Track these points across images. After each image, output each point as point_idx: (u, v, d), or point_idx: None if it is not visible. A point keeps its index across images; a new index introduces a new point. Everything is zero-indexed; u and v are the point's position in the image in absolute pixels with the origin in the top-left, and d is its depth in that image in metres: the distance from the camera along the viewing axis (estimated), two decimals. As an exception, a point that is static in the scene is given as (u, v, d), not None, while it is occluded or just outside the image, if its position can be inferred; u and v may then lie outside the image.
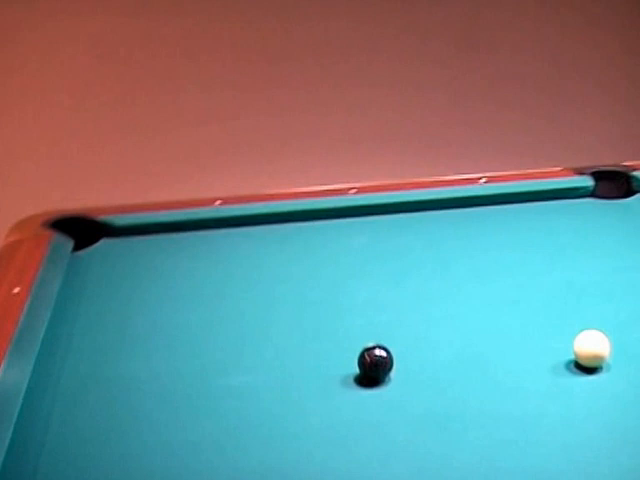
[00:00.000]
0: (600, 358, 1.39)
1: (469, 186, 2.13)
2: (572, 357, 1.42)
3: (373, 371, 1.38)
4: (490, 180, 2.16)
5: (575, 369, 1.40)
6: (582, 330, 1.43)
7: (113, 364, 1.47)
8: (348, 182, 2.14)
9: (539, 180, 2.16)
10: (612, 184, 2.15)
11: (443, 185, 2.14)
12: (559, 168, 2.24)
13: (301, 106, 3.59)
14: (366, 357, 1.39)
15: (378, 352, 1.38)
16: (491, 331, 1.54)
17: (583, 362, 1.40)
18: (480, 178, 2.16)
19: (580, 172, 2.19)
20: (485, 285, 1.72)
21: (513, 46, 3.69)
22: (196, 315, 1.63)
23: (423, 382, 1.39)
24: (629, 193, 2.14)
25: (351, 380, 1.39)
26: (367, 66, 3.60)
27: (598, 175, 2.16)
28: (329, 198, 2.08)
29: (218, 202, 2.04)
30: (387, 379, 1.39)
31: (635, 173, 2.16)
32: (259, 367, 1.45)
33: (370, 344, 1.40)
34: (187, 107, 3.50)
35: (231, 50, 3.54)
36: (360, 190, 2.11)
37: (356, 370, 1.40)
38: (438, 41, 3.57)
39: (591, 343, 1.40)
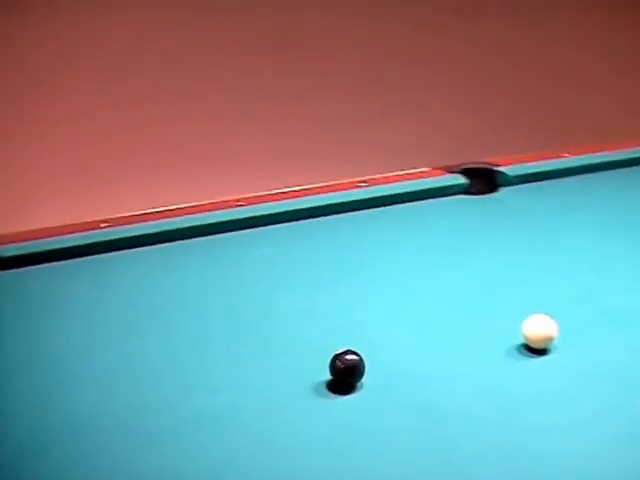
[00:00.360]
0: (551, 339, 1.50)
1: (352, 191, 2.20)
2: (521, 341, 1.52)
3: (348, 376, 1.41)
4: (370, 183, 2.24)
5: (527, 352, 1.51)
6: (517, 315, 1.55)
7: (67, 404, 1.39)
8: (232, 195, 2.14)
9: (415, 180, 2.27)
10: (480, 180, 2.31)
11: (327, 191, 2.20)
12: (427, 168, 2.37)
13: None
14: (338, 363, 1.41)
15: (350, 356, 1.41)
16: (434, 326, 1.62)
17: (535, 344, 1.51)
18: (361, 182, 2.24)
19: (450, 170, 2.33)
20: (407, 283, 1.80)
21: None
22: (131, 343, 1.57)
23: (394, 382, 1.43)
24: (495, 187, 2.30)
25: (323, 388, 1.41)
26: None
27: (467, 172, 2.31)
28: (219, 212, 2.07)
29: (104, 225, 1.96)
30: (360, 383, 1.41)
31: (499, 168, 2.34)
32: (225, 387, 1.43)
33: (340, 349, 1.42)
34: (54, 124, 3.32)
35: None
36: (248, 201, 2.12)
37: (323, 378, 1.42)
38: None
39: (541, 326, 1.51)
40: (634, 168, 2.45)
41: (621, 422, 1.33)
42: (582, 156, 2.45)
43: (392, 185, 2.24)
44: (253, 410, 1.36)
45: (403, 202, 2.21)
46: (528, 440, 1.29)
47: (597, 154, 2.46)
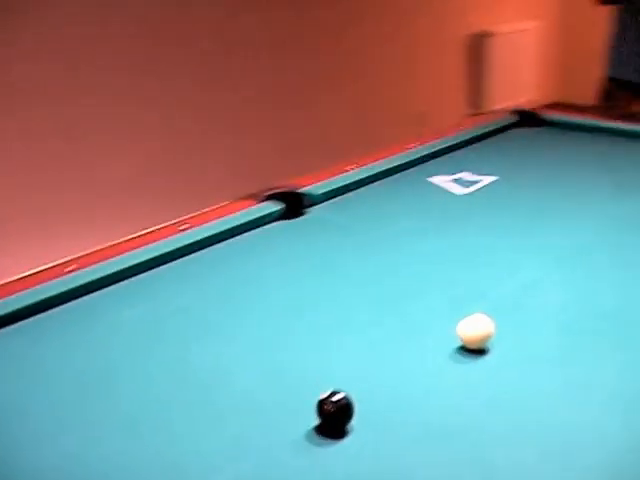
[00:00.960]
0: (490, 336, 1.59)
1: (177, 235, 2.12)
2: (459, 344, 1.59)
3: (341, 418, 1.37)
4: (191, 224, 2.17)
5: (467, 353, 1.58)
6: (437, 324, 1.66)
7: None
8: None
9: (234, 215, 2.24)
10: (288, 204, 2.34)
11: (150, 241, 2.09)
12: (227, 202, 2.36)
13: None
14: (327, 407, 1.37)
15: (337, 397, 1.38)
16: (371, 349, 1.64)
17: (475, 345, 1.59)
18: (182, 224, 2.16)
19: (260, 199, 2.34)
20: (303, 317, 1.78)
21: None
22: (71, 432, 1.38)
23: (375, 413, 1.42)
24: (305, 208, 2.35)
25: (315, 437, 1.36)
26: None
27: (273, 198, 2.33)
28: (54, 282, 1.87)
29: None
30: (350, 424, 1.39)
31: (302, 190, 2.39)
32: (213, 466, 1.32)
33: (325, 393, 1.38)
34: None
35: None
36: (80, 264, 1.95)
37: (306, 428, 1.37)
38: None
39: (478, 326, 1.59)
40: (410, 170, 2.65)
41: (593, 397, 1.46)
42: (366, 166, 2.59)
43: (215, 223, 2.19)
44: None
45: (231, 237, 2.17)
46: (542, 437, 1.36)
47: (377, 162, 2.62)
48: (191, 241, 2.11)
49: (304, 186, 2.42)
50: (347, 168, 2.59)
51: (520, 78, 5.52)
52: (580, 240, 2.09)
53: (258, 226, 2.25)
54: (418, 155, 2.73)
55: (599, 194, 2.40)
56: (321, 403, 1.38)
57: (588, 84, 5.48)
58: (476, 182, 2.53)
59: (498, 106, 5.31)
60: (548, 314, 1.73)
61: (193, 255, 2.09)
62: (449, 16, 5.19)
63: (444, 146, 2.81)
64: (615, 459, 1.31)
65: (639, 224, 2.19)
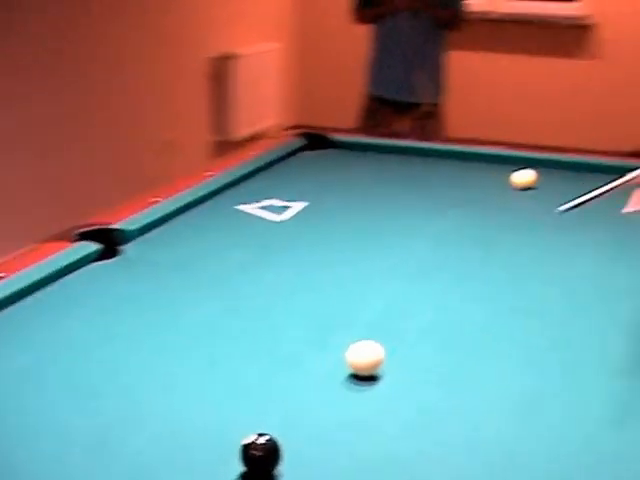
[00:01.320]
0: (381, 362, 1.63)
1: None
2: (349, 372, 1.62)
3: (269, 462, 1.34)
4: (5, 273, 2.01)
5: (359, 381, 1.61)
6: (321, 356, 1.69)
7: None
8: None
9: (51, 258, 2.11)
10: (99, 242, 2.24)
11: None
12: (37, 244, 2.22)
13: None
14: (254, 452, 1.34)
15: (262, 440, 1.35)
16: (260, 392, 1.61)
17: (365, 372, 1.63)
18: None
19: (73, 239, 2.22)
20: (175, 366, 1.72)
21: None
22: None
23: (296, 454, 1.40)
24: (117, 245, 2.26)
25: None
26: None
27: (89, 236, 2.23)
28: None
29: None
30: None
31: (115, 225, 2.30)
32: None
33: (249, 439, 1.35)
34: None
35: None
36: None
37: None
38: None
39: (368, 352, 1.63)
40: (215, 199, 2.64)
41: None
42: (171, 197, 2.54)
43: (34, 269, 2.04)
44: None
45: (52, 282, 2.04)
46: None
47: (180, 193, 2.59)
48: (10, 292, 1.95)
49: (109, 222, 2.32)
50: (151, 200, 2.52)
51: (265, 101, 5.65)
52: (419, 258, 2.20)
53: (79, 268, 2.13)
54: (220, 183, 2.71)
55: (415, 212, 2.54)
56: (246, 448, 1.34)
57: (331, 105, 5.77)
58: (287, 208, 2.56)
59: (244, 131, 5.40)
60: (421, 334, 1.81)
61: (14, 307, 1.94)
62: (188, 39, 5.17)
63: (242, 173, 2.82)
64: (531, 462, 1.41)
65: (470, 238, 2.35)
